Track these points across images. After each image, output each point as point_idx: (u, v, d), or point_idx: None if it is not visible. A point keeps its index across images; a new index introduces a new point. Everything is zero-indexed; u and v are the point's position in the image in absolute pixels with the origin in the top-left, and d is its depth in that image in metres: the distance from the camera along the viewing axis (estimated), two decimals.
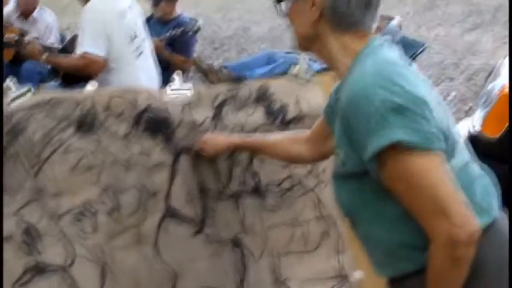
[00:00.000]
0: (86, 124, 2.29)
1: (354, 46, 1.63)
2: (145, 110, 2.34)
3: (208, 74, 4.97)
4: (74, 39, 4.41)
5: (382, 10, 1.71)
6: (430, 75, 7.46)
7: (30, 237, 2.18)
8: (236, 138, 2.34)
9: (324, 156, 2.07)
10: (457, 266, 1.47)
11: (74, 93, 2.36)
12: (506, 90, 3.31)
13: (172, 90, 2.41)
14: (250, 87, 2.50)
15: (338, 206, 1.74)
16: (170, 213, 2.32)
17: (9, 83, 2.32)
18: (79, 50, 3.83)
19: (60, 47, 5.25)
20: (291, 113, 2.49)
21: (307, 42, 1.71)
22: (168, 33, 5.65)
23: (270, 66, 5.09)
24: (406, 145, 1.44)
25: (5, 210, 2.15)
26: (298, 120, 2.48)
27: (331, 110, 1.82)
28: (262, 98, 2.48)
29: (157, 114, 2.35)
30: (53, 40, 5.80)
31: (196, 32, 5.75)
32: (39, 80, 5.40)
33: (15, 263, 2.14)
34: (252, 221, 2.41)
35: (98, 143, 2.28)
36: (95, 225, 2.25)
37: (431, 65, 7.92)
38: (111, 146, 2.29)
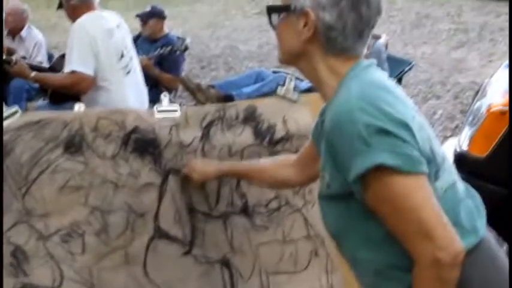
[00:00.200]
0: (74, 145, 2.28)
1: (340, 69, 1.63)
2: (133, 131, 2.34)
3: (196, 93, 5.00)
4: (62, 58, 4.41)
5: None
6: (417, 93, 7.51)
7: (17, 259, 2.16)
8: (224, 166, 2.34)
9: (312, 179, 2.07)
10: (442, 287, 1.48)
11: (61, 114, 2.35)
12: (494, 109, 3.33)
13: (159, 111, 2.41)
14: (238, 107, 2.51)
15: (325, 227, 1.74)
16: (159, 234, 2.31)
17: None
18: (67, 69, 3.83)
19: (48, 66, 5.25)
20: (279, 133, 2.49)
21: (293, 59, 1.71)
22: (156, 52, 5.68)
23: (258, 85, 5.13)
24: (390, 168, 1.45)
25: None
26: (286, 140, 2.49)
27: (317, 132, 1.83)
28: (250, 118, 2.49)
29: (144, 135, 2.35)
30: (41, 59, 5.81)
31: (184, 50, 5.78)
32: (27, 98, 5.40)
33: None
34: (240, 241, 2.41)
35: (86, 164, 2.28)
36: (83, 246, 2.24)
37: (418, 83, 7.98)
38: (99, 167, 2.29)
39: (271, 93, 2.65)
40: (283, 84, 2.57)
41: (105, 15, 4.03)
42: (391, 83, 1.64)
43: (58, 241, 2.22)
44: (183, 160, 2.37)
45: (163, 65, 5.82)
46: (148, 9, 6.19)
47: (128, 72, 4.03)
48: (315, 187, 1.83)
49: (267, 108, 2.52)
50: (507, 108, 3.22)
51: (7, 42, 5.72)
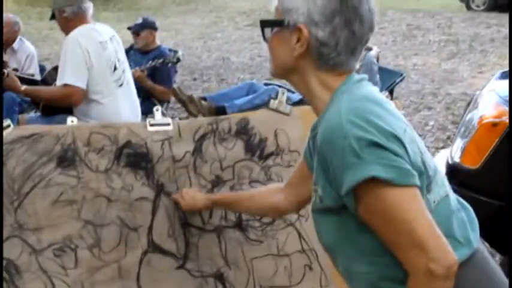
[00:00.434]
0: (66, 159, 2.28)
1: (332, 83, 1.64)
2: (125, 146, 2.34)
3: (188, 105, 5.01)
4: (54, 70, 4.41)
5: None
6: (408, 104, 7.54)
7: (10, 273, 2.15)
8: (213, 196, 2.33)
9: (304, 201, 2.01)
10: None
11: (54, 128, 2.34)
12: (485, 120, 3.34)
13: (152, 125, 2.41)
14: (231, 120, 2.51)
15: (319, 240, 1.75)
16: (152, 248, 2.31)
17: None
18: (59, 82, 3.83)
19: (39, 78, 5.24)
20: (270, 147, 2.50)
21: (285, 73, 1.71)
22: (148, 64, 5.69)
23: (250, 97, 5.15)
24: (382, 180, 1.46)
25: None
26: (276, 154, 2.50)
27: (309, 149, 1.83)
28: (243, 131, 2.49)
29: (136, 150, 2.35)
30: (33, 71, 5.80)
31: (176, 62, 5.79)
32: (19, 111, 5.38)
33: None
34: (234, 255, 2.40)
35: (79, 178, 2.27)
36: (76, 260, 2.23)
37: (409, 94, 8.02)
38: (91, 181, 2.28)
39: (263, 105, 2.65)
40: (276, 97, 2.57)
41: (98, 28, 4.04)
42: (382, 96, 1.65)
43: (51, 255, 2.21)
44: (175, 175, 2.37)
45: (155, 76, 5.83)
46: (140, 21, 6.21)
47: (121, 85, 4.03)
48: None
49: (259, 121, 2.52)
50: (498, 120, 3.24)
51: None
